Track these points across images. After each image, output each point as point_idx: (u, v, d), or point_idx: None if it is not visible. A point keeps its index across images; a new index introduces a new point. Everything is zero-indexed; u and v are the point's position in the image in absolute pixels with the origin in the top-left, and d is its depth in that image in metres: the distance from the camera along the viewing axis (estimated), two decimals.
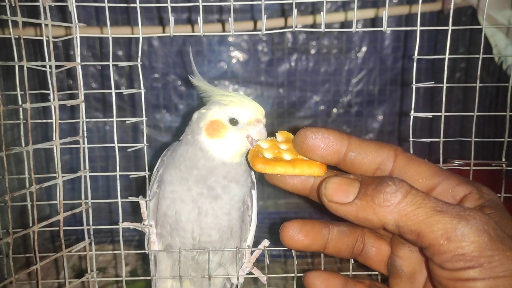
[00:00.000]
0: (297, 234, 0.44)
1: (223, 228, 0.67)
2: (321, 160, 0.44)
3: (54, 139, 0.54)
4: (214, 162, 0.64)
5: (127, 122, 0.59)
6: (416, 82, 0.57)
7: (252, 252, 0.70)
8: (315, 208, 1.62)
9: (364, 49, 1.71)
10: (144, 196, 0.65)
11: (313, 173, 0.44)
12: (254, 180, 0.70)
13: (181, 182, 0.65)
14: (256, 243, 0.71)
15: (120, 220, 0.60)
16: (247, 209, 0.70)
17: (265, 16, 0.56)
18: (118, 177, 0.59)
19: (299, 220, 0.45)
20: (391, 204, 0.35)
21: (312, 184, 0.45)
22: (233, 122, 0.63)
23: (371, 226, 0.37)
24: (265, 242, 0.69)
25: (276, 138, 0.52)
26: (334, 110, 1.77)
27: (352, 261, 0.57)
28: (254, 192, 0.70)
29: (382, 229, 0.38)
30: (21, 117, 0.56)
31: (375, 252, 0.46)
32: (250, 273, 0.70)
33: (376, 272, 0.50)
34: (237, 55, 1.72)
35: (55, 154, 0.55)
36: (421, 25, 0.56)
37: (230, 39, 1.70)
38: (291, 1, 0.56)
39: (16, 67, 0.51)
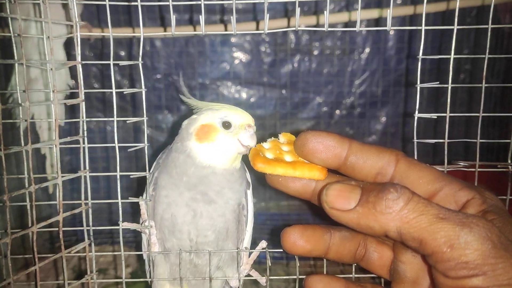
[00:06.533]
0: (298, 240, 0.44)
1: (219, 229, 0.66)
2: (321, 164, 0.43)
3: (54, 138, 0.54)
4: (204, 171, 0.63)
5: (128, 122, 0.59)
6: (420, 84, 0.57)
7: (250, 254, 0.70)
8: (317, 210, 1.61)
9: (367, 50, 1.70)
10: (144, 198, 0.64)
11: (313, 177, 0.44)
12: (249, 180, 0.70)
13: (173, 187, 0.65)
14: (255, 245, 0.70)
15: (120, 220, 0.60)
16: (243, 209, 0.69)
17: (268, 15, 0.55)
18: (118, 177, 0.59)
19: (300, 225, 0.45)
20: (393, 211, 0.35)
21: (314, 189, 0.45)
22: (225, 125, 0.63)
23: (373, 233, 0.37)
24: (263, 243, 0.68)
25: (278, 139, 0.51)
26: (337, 111, 1.76)
27: (354, 264, 0.56)
28: (249, 192, 0.70)
29: (384, 236, 0.37)
30: (21, 116, 0.55)
31: (377, 257, 0.46)
32: (249, 275, 0.69)
33: None
34: (240, 56, 1.72)
35: (54, 154, 0.54)
36: (425, 26, 0.55)
37: (233, 39, 1.69)
38: (294, 0, 0.55)
39: (16, 65, 0.51)
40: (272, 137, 0.52)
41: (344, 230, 0.45)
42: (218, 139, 0.63)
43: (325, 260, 0.59)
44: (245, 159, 0.55)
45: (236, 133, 0.63)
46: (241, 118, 0.64)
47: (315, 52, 1.71)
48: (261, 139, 0.54)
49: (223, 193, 0.65)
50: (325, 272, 0.58)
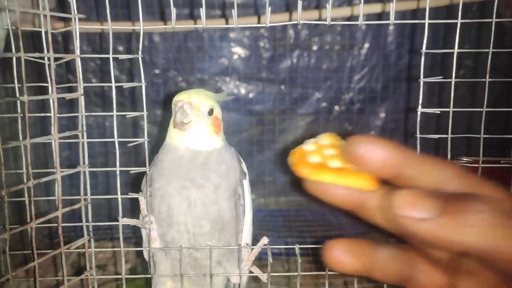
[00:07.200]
0: (344, 255, 0.39)
1: (214, 218, 0.66)
2: (374, 173, 0.39)
3: (52, 133, 0.53)
4: (178, 153, 0.66)
5: (127, 116, 0.58)
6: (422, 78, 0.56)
7: (251, 250, 0.69)
8: (317, 207, 1.60)
9: (367, 45, 1.69)
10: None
11: (363, 186, 0.40)
12: (245, 170, 0.71)
13: (162, 178, 0.66)
14: (256, 241, 0.70)
15: (120, 216, 0.59)
16: (239, 198, 0.69)
17: (269, 8, 0.55)
18: (118, 172, 0.58)
19: (346, 239, 0.40)
20: (478, 225, 0.31)
21: (359, 199, 0.41)
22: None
23: (448, 248, 0.33)
24: (264, 240, 0.68)
25: (319, 141, 0.47)
26: (336, 107, 1.75)
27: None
28: (245, 182, 0.70)
29: (460, 253, 0.33)
30: (19, 110, 0.54)
31: (427, 281, 0.41)
32: (250, 271, 0.69)
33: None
34: (239, 51, 1.71)
35: (53, 149, 0.53)
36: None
37: (232, 34, 1.68)
38: None
39: (14, 59, 0.50)
40: (313, 139, 0.48)
41: (392, 246, 0.41)
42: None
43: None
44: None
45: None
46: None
47: (314, 48, 1.70)
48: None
49: (209, 177, 0.66)
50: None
